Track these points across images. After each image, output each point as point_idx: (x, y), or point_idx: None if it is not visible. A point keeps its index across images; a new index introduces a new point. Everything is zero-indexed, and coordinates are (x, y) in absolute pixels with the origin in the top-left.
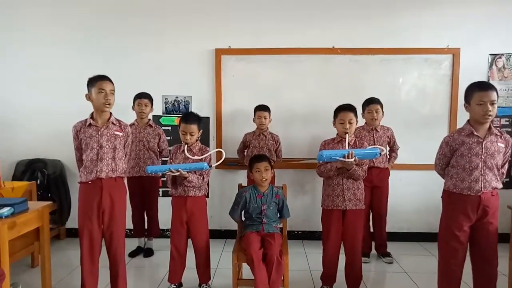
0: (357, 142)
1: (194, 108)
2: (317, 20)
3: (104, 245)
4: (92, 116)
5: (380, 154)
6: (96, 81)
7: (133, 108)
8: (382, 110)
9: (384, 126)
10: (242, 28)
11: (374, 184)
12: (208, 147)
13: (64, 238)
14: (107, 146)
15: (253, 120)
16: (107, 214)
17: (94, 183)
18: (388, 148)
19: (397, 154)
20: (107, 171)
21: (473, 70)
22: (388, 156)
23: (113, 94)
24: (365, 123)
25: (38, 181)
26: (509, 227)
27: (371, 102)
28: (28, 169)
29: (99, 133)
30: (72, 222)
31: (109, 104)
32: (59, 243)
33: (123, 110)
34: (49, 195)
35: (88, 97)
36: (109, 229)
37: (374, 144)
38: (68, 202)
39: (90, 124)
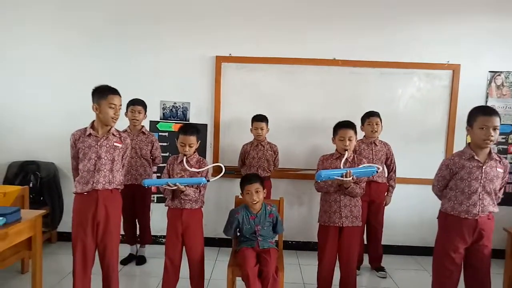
0: (356, 159)
1: (192, 115)
2: (318, 31)
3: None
4: (92, 126)
5: (377, 171)
6: (107, 94)
7: (126, 114)
8: (381, 123)
9: (383, 141)
10: (243, 36)
11: (371, 198)
12: (205, 154)
13: (56, 242)
14: (105, 157)
15: (250, 130)
16: (102, 227)
17: (89, 195)
18: (384, 168)
19: (395, 182)
20: (104, 182)
21: (473, 87)
22: (386, 176)
23: (121, 108)
24: (364, 136)
25: (31, 184)
26: (503, 244)
27: (371, 115)
28: (21, 171)
29: (99, 143)
30: (64, 225)
31: (116, 119)
32: (50, 247)
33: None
34: (42, 198)
35: (96, 108)
36: (103, 241)
37: (373, 158)
38: (60, 206)
39: (89, 134)
